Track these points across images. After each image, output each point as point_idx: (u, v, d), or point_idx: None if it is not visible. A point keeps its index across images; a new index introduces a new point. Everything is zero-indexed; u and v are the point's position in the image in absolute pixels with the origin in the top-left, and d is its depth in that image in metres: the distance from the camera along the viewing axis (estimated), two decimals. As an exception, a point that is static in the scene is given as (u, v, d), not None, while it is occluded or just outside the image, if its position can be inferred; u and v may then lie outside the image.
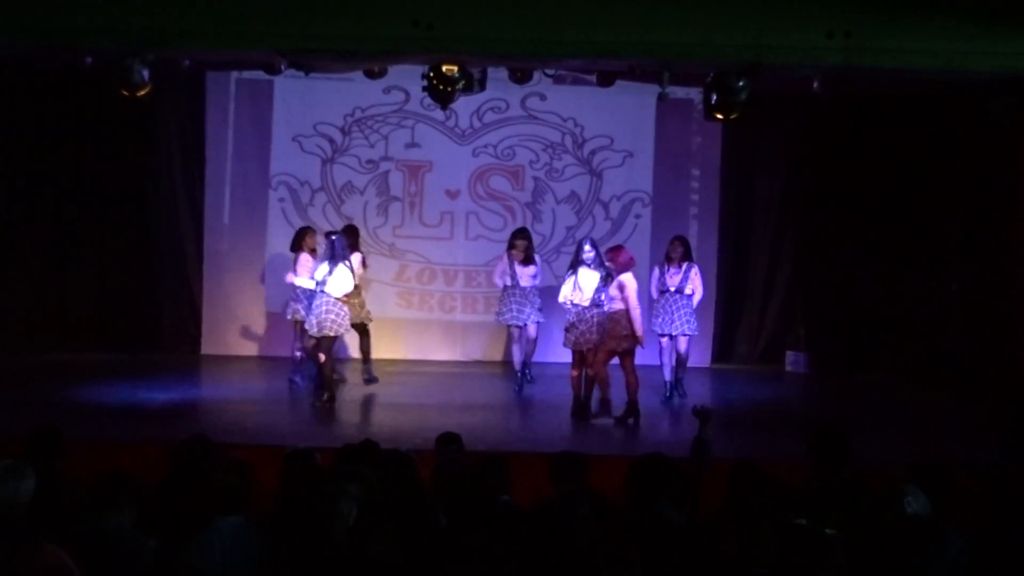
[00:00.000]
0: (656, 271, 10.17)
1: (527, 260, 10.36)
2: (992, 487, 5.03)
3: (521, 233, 10.57)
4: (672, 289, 9.91)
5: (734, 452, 7.25)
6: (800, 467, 6.15)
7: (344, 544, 4.40)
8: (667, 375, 10.04)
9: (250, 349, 12.00)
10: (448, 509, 4.87)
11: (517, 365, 10.43)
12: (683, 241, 10.16)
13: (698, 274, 10.06)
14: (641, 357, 10.99)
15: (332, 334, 9.39)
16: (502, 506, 5.07)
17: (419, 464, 5.63)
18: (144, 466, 5.75)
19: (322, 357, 9.39)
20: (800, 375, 11.97)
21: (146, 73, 7.47)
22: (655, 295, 10.08)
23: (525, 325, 10.36)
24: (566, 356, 9.46)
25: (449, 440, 5.99)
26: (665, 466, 5.21)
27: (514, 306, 10.31)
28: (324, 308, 9.32)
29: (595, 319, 9.15)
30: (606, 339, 8.98)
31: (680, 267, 9.95)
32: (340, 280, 9.34)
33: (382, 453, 5.69)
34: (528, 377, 10.42)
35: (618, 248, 9.49)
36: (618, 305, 8.99)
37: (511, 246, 10.43)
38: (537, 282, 10.43)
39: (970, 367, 10.88)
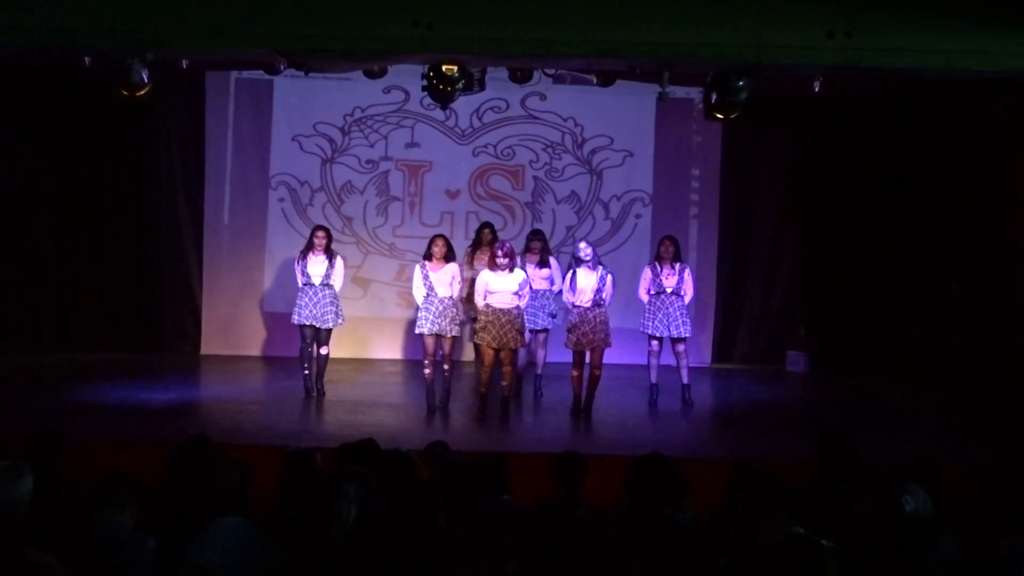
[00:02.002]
0: (648, 272, 9.86)
1: (542, 262, 10.13)
2: (988, 486, 5.03)
3: (537, 235, 10.40)
4: (668, 290, 9.76)
5: (734, 452, 7.26)
6: (802, 467, 6.18)
7: (343, 545, 4.40)
8: (653, 377, 9.81)
9: (250, 349, 12.00)
10: (448, 509, 4.86)
11: (536, 368, 10.12)
12: (674, 241, 9.95)
13: (690, 274, 9.96)
14: (630, 356, 11.00)
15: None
16: (502, 506, 5.07)
17: (419, 464, 5.63)
18: (144, 466, 5.75)
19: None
20: (800, 375, 11.98)
21: (146, 73, 7.47)
22: (646, 297, 9.81)
23: (534, 330, 10.02)
24: (566, 356, 9.45)
25: (433, 446, 6.04)
26: (662, 466, 5.22)
27: (529, 309, 9.91)
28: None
29: (597, 319, 9.14)
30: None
31: (674, 268, 9.79)
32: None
33: (382, 453, 5.69)
34: (539, 391, 9.99)
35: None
36: None
37: (527, 248, 10.19)
38: (552, 286, 10.05)
39: (970, 367, 10.87)
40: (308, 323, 9.65)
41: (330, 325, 9.68)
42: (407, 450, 5.71)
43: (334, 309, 9.67)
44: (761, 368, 12.21)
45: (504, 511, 4.98)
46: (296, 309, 9.72)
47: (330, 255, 9.71)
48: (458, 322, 9.39)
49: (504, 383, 9.05)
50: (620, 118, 12.16)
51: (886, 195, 11.82)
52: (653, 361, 9.84)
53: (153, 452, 6.75)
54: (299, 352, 9.82)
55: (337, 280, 9.74)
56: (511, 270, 9.03)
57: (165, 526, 4.62)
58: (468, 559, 3.62)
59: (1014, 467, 6.19)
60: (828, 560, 3.66)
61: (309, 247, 9.73)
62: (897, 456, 6.76)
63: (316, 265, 9.66)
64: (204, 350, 12.04)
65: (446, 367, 9.30)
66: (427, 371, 9.28)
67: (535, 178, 12.24)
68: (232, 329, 12.07)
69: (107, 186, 12.00)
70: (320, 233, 9.74)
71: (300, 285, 9.73)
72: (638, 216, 12.29)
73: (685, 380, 9.86)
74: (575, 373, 9.24)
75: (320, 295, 9.63)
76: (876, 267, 11.93)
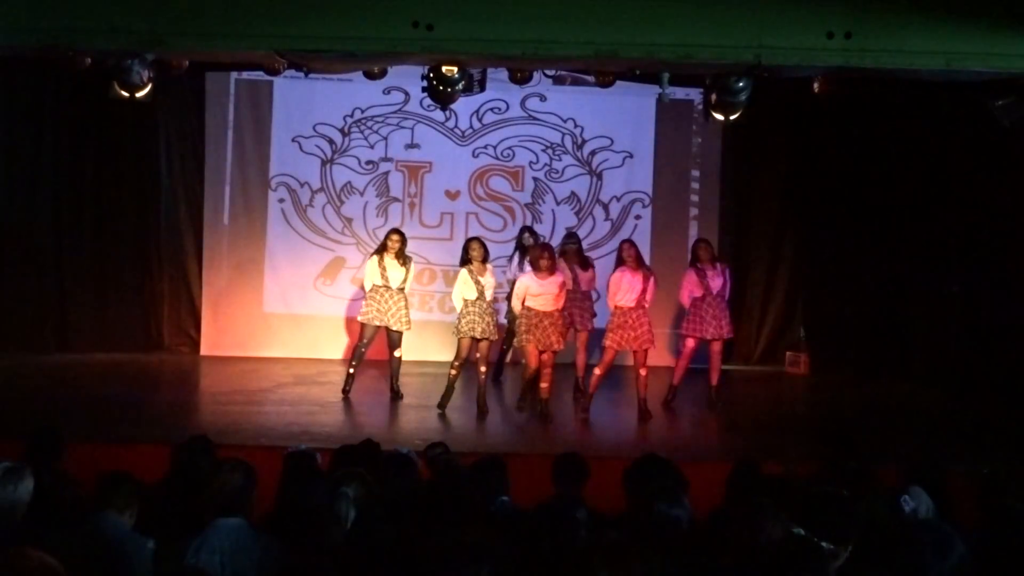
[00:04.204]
0: (693, 276, 9.73)
1: (584, 264, 10.19)
2: (986, 487, 5.02)
3: (574, 237, 10.53)
4: (715, 292, 9.66)
5: (734, 452, 7.25)
6: (802, 468, 6.17)
7: (342, 546, 4.40)
8: (678, 380, 9.81)
9: (250, 349, 11.98)
10: (448, 510, 4.86)
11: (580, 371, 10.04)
12: (708, 242, 10.03)
13: (731, 274, 9.96)
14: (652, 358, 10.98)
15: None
16: (502, 506, 5.07)
17: (419, 464, 5.63)
18: (144, 466, 5.75)
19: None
20: (800, 375, 11.98)
21: (146, 73, 7.47)
22: (689, 300, 9.74)
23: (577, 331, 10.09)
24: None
25: (433, 446, 6.07)
26: (660, 466, 5.21)
27: (575, 310, 9.95)
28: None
29: (644, 319, 9.24)
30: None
31: (716, 268, 9.72)
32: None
33: (382, 453, 5.69)
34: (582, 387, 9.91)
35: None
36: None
37: (562, 251, 10.17)
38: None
39: (970, 368, 10.87)
40: (378, 324, 9.68)
41: (402, 328, 9.70)
42: (407, 450, 5.71)
43: (401, 312, 9.69)
44: (761, 368, 12.22)
45: (504, 512, 4.98)
46: (364, 309, 9.76)
47: (405, 259, 9.74)
48: (496, 326, 9.42)
49: (544, 385, 9.11)
50: (620, 119, 12.17)
51: (886, 196, 11.82)
52: (684, 363, 9.80)
53: (153, 452, 6.75)
54: (352, 350, 9.90)
55: (408, 284, 9.80)
56: (552, 273, 9.09)
57: (165, 526, 4.62)
58: (468, 560, 3.62)
59: (1014, 468, 6.19)
60: (828, 562, 3.66)
61: (383, 249, 9.77)
62: (898, 457, 6.75)
63: (394, 269, 9.70)
64: (204, 350, 12.03)
65: (483, 369, 9.34)
66: (453, 372, 9.32)
67: (535, 179, 12.24)
68: (232, 329, 12.06)
69: (107, 186, 12.00)
70: (395, 237, 9.76)
71: (371, 286, 9.74)
72: (638, 217, 12.29)
73: (715, 382, 9.84)
74: (598, 371, 9.27)
75: (394, 298, 9.66)
76: (876, 267, 11.93)
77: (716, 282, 9.67)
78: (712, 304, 9.66)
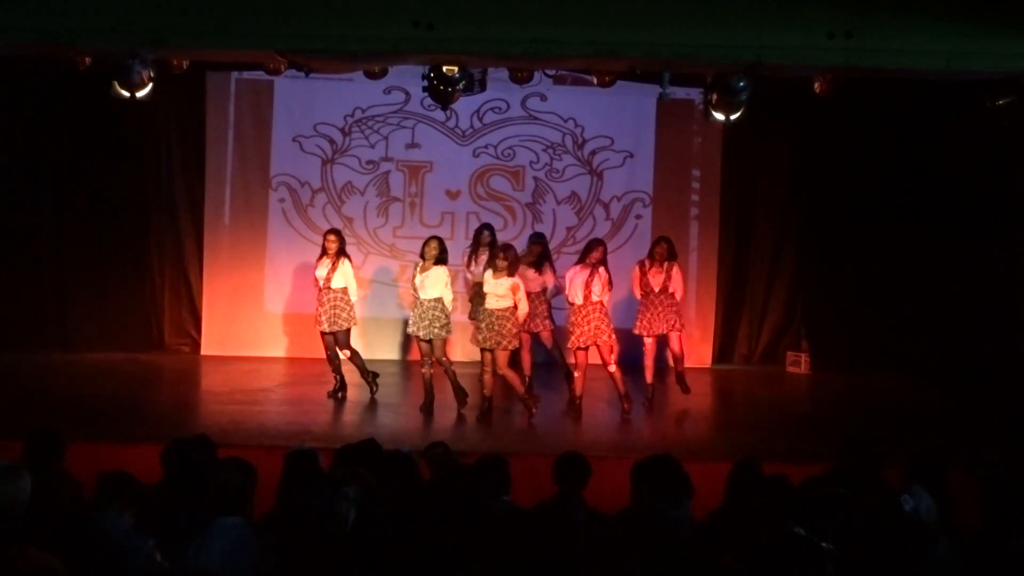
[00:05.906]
0: (636, 271, 9.91)
1: (539, 266, 10.05)
2: (984, 487, 5.03)
3: (537, 238, 10.43)
4: (656, 289, 9.76)
5: (734, 452, 7.25)
6: (803, 467, 6.18)
7: (342, 546, 4.40)
8: (649, 377, 9.81)
9: (250, 349, 11.97)
10: (448, 510, 4.86)
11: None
12: (668, 241, 9.95)
13: (679, 273, 9.91)
14: (635, 356, 10.99)
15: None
16: (502, 506, 5.07)
17: (419, 464, 5.63)
18: (144, 466, 5.75)
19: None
20: (800, 375, 11.97)
21: (146, 73, 7.47)
22: (638, 295, 9.89)
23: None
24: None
25: (433, 446, 6.07)
26: (669, 466, 5.21)
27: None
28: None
29: (592, 315, 9.20)
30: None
31: (662, 266, 9.78)
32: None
33: (382, 453, 5.70)
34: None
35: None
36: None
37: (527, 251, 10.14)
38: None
39: (970, 367, 10.87)
40: (321, 328, 9.70)
41: (329, 327, 9.64)
42: (407, 450, 5.71)
43: (335, 311, 9.64)
44: (761, 368, 12.21)
45: (504, 512, 4.98)
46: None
47: (337, 258, 9.67)
48: (440, 324, 9.24)
49: (485, 378, 9.13)
50: (620, 119, 12.16)
51: (886, 195, 11.82)
52: (648, 361, 9.84)
53: (153, 452, 6.73)
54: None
55: (342, 282, 9.68)
56: (510, 274, 9.05)
57: (165, 526, 4.62)
58: (468, 560, 3.62)
59: (1014, 468, 6.19)
60: (827, 562, 3.66)
61: (322, 252, 9.78)
62: (898, 457, 6.75)
63: (320, 268, 9.72)
64: (204, 350, 12.02)
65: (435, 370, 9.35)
66: (423, 370, 9.34)
67: (535, 179, 12.23)
68: (232, 329, 12.05)
69: (107, 186, 11.99)
70: (331, 237, 9.73)
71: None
72: (639, 217, 12.28)
73: (678, 369, 9.92)
74: (577, 373, 9.28)
75: (325, 298, 9.65)
76: (876, 267, 11.92)
77: (656, 280, 9.74)
78: (654, 301, 9.74)
